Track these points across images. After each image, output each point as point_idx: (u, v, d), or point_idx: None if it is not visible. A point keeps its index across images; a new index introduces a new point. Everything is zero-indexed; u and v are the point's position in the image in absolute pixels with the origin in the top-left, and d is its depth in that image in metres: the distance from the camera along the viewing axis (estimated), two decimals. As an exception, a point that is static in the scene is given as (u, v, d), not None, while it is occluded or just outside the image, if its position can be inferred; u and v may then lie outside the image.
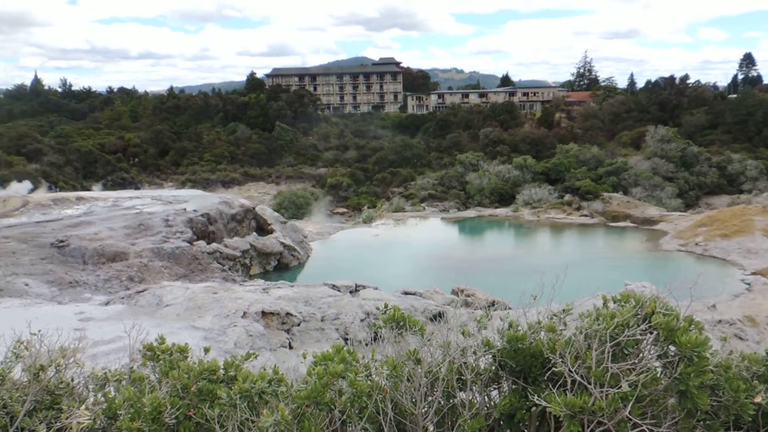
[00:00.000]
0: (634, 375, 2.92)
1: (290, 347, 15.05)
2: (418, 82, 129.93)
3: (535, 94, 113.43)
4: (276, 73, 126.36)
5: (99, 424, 3.12)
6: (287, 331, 15.75)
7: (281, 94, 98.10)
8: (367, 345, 13.27)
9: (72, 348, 3.31)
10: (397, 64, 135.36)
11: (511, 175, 56.92)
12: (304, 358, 3.38)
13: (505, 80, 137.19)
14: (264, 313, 15.77)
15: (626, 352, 3.11)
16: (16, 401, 3.13)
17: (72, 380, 3.30)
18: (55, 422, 2.96)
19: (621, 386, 2.88)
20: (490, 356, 3.56)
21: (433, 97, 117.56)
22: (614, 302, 3.41)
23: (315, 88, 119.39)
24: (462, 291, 22.93)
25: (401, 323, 3.60)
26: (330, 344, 13.28)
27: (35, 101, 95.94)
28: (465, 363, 3.49)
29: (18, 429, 2.97)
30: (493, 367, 3.56)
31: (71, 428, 2.91)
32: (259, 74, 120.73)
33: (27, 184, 43.57)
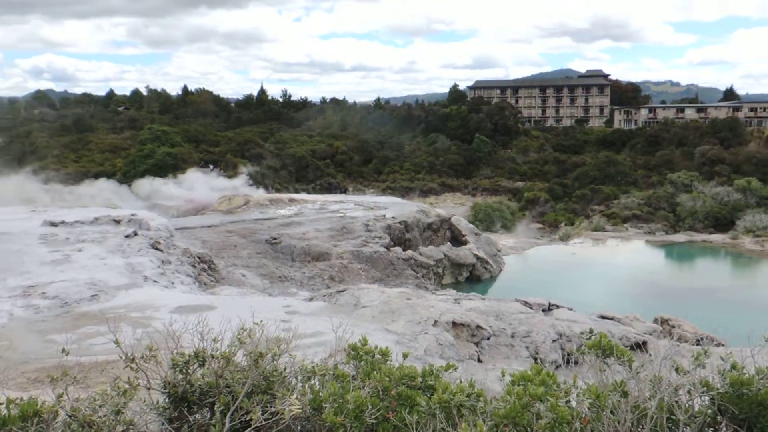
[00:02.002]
0: None
1: (479, 360, 14.95)
2: (627, 95, 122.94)
3: (765, 110, 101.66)
4: (478, 86, 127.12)
5: (304, 413, 3.34)
6: (476, 344, 15.68)
7: (482, 106, 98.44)
8: (558, 367, 12.75)
9: (286, 339, 3.59)
10: (605, 76, 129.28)
11: (731, 199, 51.48)
12: (503, 375, 3.32)
13: (729, 94, 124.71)
14: (454, 324, 15.84)
15: None
16: (237, 383, 3.46)
17: (285, 369, 3.57)
18: (269, 407, 3.21)
19: None
20: (708, 398, 3.23)
21: (644, 112, 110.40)
22: None
23: (516, 101, 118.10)
24: (666, 321, 21.18)
25: (607, 351, 3.40)
26: (519, 361, 12.97)
27: (260, 110, 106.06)
28: (677, 402, 3.20)
29: (237, 408, 3.28)
30: (710, 411, 3.22)
31: (282, 414, 3.14)
32: (462, 86, 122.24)
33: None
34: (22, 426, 3.06)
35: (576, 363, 4.24)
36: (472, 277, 31.71)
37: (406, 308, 16.64)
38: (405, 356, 3.69)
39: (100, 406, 3.25)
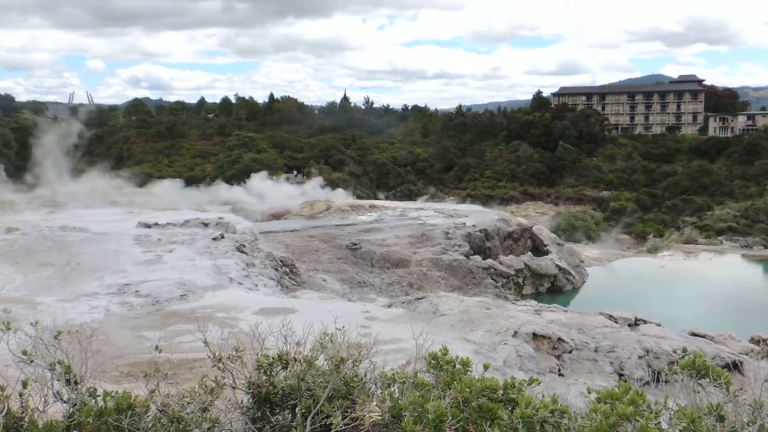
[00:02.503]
0: None
1: (560, 374, 14.57)
2: (723, 101, 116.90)
3: None
4: (563, 92, 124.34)
5: (383, 420, 3.34)
6: (557, 357, 15.29)
7: (567, 113, 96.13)
8: (645, 385, 12.23)
9: (367, 345, 3.61)
10: (699, 81, 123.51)
11: (839, 212, 48.01)
12: (588, 392, 3.21)
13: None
14: (535, 335, 15.52)
15: None
16: (318, 386, 3.51)
17: (365, 375, 3.59)
18: (349, 412, 3.24)
19: None
20: (814, 427, 3.00)
21: (741, 119, 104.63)
22: None
23: (603, 108, 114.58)
24: (765, 341, 19.94)
25: (702, 372, 3.22)
26: (603, 377, 12.51)
27: (342, 117, 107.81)
28: (779, 429, 3.00)
29: (318, 412, 3.32)
30: (816, 441, 3.00)
31: (362, 420, 3.15)
32: (546, 93, 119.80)
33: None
34: (116, 418, 3.22)
35: (666, 382, 4.05)
36: (554, 288, 30.97)
37: (485, 318, 16.45)
38: (486, 368, 3.63)
39: (188, 403, 3.38)
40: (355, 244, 28.50)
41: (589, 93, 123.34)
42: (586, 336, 16.35)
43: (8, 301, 15.13)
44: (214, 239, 23.21)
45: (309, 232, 31.01)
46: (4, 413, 3.16)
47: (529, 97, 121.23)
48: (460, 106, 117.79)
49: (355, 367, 3.53)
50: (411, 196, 66.29)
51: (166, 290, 16.92)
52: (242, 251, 22.45)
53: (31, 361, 3.49)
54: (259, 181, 50.66)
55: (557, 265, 31.43)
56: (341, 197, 46.17)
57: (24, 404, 3.40)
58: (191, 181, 57.63)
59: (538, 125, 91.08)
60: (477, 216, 35.56)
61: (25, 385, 3.44)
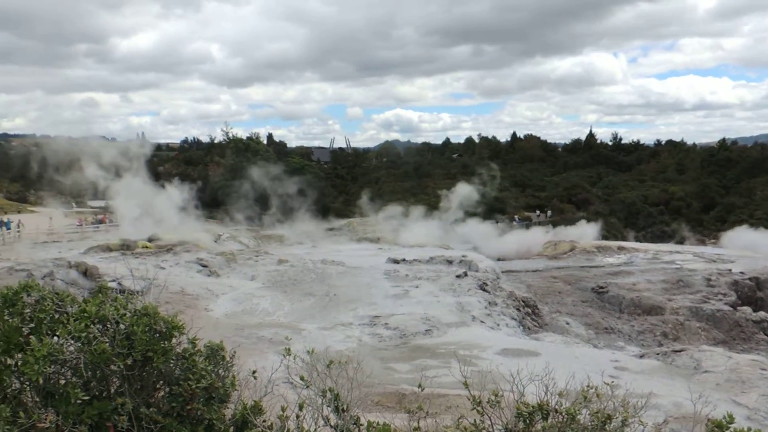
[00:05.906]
0: None
1: None
2: None
3: None
4: None
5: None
6: None
7: None
8: None
9: (639, 404, 3.32)
10: None
11: None
12: None
13: None
14: (826, 406, 13.13)
15: None
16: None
17: (635, 437, 3.30)
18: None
19: None
20: None
21: None
22: None
23: None
24: None
25: None
26: None
27: (587, 154, 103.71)
28: None
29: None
30: None
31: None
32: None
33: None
34: (379, 449, 3.35)
35: None
36: None
37: (759, 379, 14.40)
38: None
39: (445, 443, 3.40)
40: (601, 287, 27.03)
41: None
42: None
43: (278, 326, 16.96)
44: (458, 276, 23.67)
45: (552, 272, 30.17)
46: (284, 432, 3.47)
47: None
48: (723, 140, 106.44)
49: (625, 427, 3.26)
50: (664, 237, 61.22)
51: (412, 324, 17.58)
52: (485, 290, 22.55)
53: (307, 386, 3.80)
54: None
55: None
56: (586, 238, 44.23)
57: (300, 426, 3.71)
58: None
59: (824, 158, 78.66)
60: (746, 262, 31.63)
61: (301, 407, 3.76)
